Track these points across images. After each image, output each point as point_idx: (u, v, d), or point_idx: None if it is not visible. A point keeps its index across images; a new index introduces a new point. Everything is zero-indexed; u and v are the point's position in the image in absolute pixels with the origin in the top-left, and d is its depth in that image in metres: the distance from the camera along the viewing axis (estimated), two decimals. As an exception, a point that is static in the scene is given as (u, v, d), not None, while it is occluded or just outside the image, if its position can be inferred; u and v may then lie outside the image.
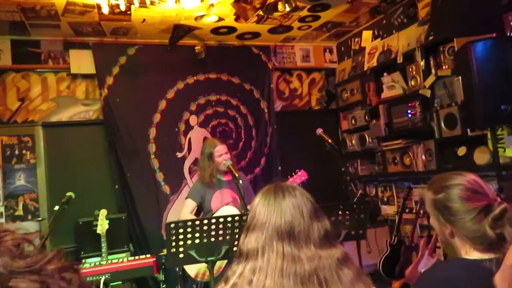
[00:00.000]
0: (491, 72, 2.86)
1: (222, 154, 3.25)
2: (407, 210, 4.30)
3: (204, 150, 3.36)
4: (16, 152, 4.12)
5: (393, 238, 4.12)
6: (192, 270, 3.05)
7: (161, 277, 3.65)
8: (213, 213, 3.20)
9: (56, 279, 0.56)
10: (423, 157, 3.97)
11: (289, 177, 3.32)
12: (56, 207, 2.89)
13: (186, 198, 3.39)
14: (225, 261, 2.88)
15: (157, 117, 4.55)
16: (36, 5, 3.54)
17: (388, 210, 4.72)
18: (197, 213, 3.35)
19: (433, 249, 1.91)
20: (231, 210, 3.16)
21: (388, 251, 4.06)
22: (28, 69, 4.23)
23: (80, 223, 3.85)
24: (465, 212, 1.32)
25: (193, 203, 3.27)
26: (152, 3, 3.56)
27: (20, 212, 4.07)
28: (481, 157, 3.43)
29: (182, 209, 3.33)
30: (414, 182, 4.31)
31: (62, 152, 4.26)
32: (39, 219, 4.09)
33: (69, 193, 3.02)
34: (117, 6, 3.42)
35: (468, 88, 3.00)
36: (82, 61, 4.34)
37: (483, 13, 3.29)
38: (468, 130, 3.45)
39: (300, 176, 3.29)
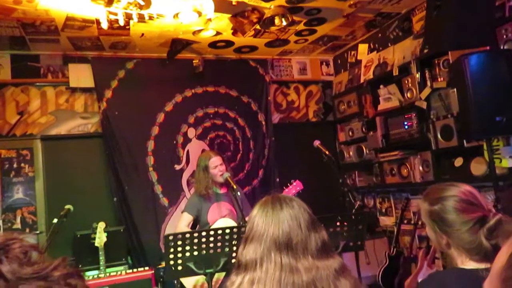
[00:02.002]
0: (485, 84, 2.90)
1: (217, 166, 3.26)
2: (405, 221, 4.30)
3: (199, 162, 3.37)
4: (15, 165, 4.13)
5: (392, 249, 4.12)
6: (190, 282, 3.04)
7: (159, 290, 3.64)
8: (210, 226, 3.20)
9: (61, 285, 0.59)
10: (420, 168, 3.99)
11: (284, 187, 3.34)
12: (55, 220, 2.89)
13: (182, 212, 3.38)
14: (223, 273, 2.87)
15: (155, 130, 4.57)
16: (36, 21, 3.58)
17: (387, 221, 4.73)
18: (193, 227, 3.34)
19: (432, 260, 1.93)
20: (228, 222, 3.16)
21: (387, 263, 4.06)
22: (28, 83, 4.26)
23: (78, 236, 3.84)
24: (460, 224, 1.33)
25: (189, 216, 3.26)
26: (150, 18, 3.61)
27: (18, 225, 4.05)
28: (477, 168, 3.46)
29: (178, 223, 3.32)
30: (412, 193, 4.33)
31: (60, 165, 4.26)
32: (37, 232, 4.08)
33: (67, 206, 3.03)
34: (116, 21, 3.46)
35: (463, 100, 3.03)
36: (81, 75, 4.38)
37: (476, 26, 3.34)
38: (464, 141, 3.48)
39: (296, 186, 3.30)
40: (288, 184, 3.34)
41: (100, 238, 3.48)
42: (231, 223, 3.16)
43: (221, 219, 3.22)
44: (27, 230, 4.07)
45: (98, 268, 3.42)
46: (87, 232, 3.76)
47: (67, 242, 3.88)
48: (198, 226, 3.34)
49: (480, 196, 1.40)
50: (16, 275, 0.55)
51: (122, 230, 4.03)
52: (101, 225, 3.56)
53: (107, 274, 3.34)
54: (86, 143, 4.43)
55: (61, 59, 4.37)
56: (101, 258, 3.43)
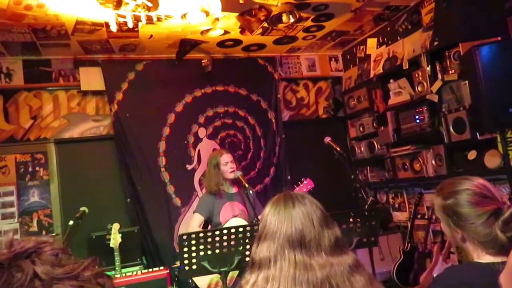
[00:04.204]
0: (497, 76, 2.85)
1: (227, 162, 3.29)
2: (419, 216, 4.27)
3: (210, 160, 3.39)
4: (30, 169, 4.20)
5: (406, 244, 4.09)
6: (204, 282, 3.06)
7: (174, 289, 3.67)
8: (222, 226, 3.21)
9: (92, 284, 0.62)
10: (433, 162, 3.95)
11: (295, 186, 3.34)
12: (71, 222, 2.93)
13: (193, 212, 3.38)
14: (237, 271, 2.88)
15: (166, 131, 4.60)
16: (47, 26, 3.63)
17: (400, 216, 4.70)
18: (205, 227, 3.35)
19: (447, 254, 1.91)
20: (241, 221, 3.17)
21: (402, 258, 4.04)
22: (40, 88, 4.32)
23: (94, 237, 3.89)
24: (475, 217, 1.32)
25: (200, 217, 3.26)
26: (158, 20, 3.64)
27: (34, 228, 4.12)
28: (491, 160, 3.41)
29: (190, 224, 3.33)
30: (425, 187, 4.29)
31: (74, 168, 4.32)
32: (53, 234, 4.14)
33: (82, 208, 3.06)
34: (125, 23, 3.49)
35: (475, 92, 2.99)
36: (92, 78, 4.43)
37: (487, 17, 3.30)
38: (477, 134, 3.43)
39: (306, 185, 3.30)
40: (299, 183, 3.33)
41: (115, 239, 3.52)
42: (243, 222, 3.16)
43: (233, 218, 3.23)
44: (44, 232, 4.14)
45: (114, 269, 3.46)
46: (102, 234, 3.81)
47: (82, 243, 3.93)
48: (209, 226, 3.34)
49: (494, 189, 1.38)
50: (50, 275, 0.58)
51: (136, 231, 4.07)
52: (116, 226, 3.60)
53: (123, 275, 3.38)
54: (98, 145, 4.48)
55: (72, 63, 4.42)
56: (116, 258, 3.47)
